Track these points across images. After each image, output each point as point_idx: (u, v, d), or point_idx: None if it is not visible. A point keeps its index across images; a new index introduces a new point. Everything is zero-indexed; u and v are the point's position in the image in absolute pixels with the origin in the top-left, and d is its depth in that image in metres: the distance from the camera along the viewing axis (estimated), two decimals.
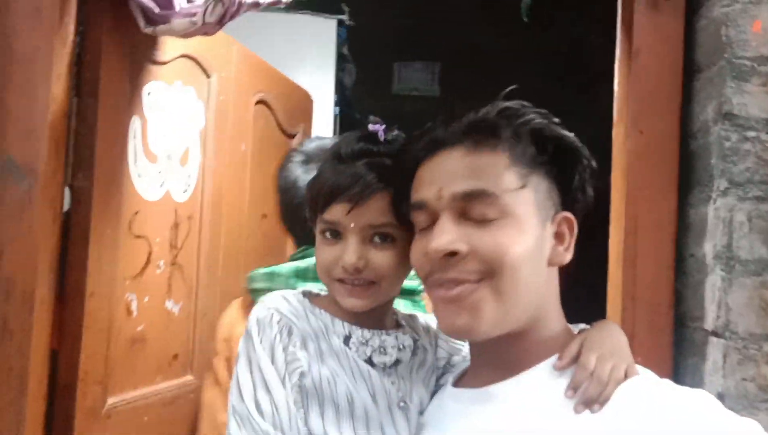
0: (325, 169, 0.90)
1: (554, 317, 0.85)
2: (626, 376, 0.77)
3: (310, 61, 2.74)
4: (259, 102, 2.05)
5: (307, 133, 2.40)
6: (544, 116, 0.84)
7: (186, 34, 1.41)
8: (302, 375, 0.84)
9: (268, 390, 0.82)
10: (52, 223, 1.31)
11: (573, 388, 0.77)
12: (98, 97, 1.38)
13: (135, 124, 1.51)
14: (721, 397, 1.16)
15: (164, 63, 1.60)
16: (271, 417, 0.81)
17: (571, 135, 0.84)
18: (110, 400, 1.43)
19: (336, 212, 0.86)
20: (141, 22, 1.40)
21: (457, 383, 0.90)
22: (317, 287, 0.96)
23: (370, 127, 0.90)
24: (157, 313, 1.59)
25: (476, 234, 0.79)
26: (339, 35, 2.88)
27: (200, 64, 1.75)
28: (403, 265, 0.88)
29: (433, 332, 0.96)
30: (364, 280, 0.86)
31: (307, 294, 0.93)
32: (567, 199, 0.84)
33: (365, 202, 0.85)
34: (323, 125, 2.75)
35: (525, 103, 0.85)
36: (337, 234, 0.87)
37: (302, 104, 2.38)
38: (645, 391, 0.76)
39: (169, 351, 1.65)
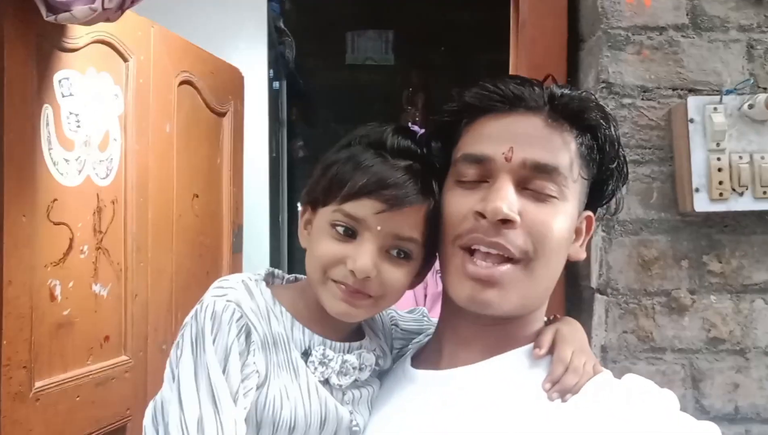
0: (362, 156, 0.78)
1: (541, 314, 0.84)
2: (594, 372, 0.78)
3: (241, 37, 2.75)
4: (183, 82, 2.06)
5: (238, 110, 2.42)
6: (607, 118, 0.83)
7: (88, 21, 1.42)
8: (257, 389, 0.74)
9: (215, 405, 0.70)
10: None
11: (551, 381, 0.76)
12: (3, 88, 1.39)
13: (47, 112, 1.52)
14: (604, 349, 1.24)
15: (75, 50, 1.61)
16: None
17: (619, 137, 0.84)
18: (38, 383, 1.46)
19: (364, 208, 0.75)
20: (43, 11, 1.41)
21: (414, 363, 0.86)
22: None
23: (413, 126, 0.83)
24: (83, 297, 1.62)
25: (531, 208, 0.76)
26: (272, 10, 2.87)
27: (116, 49, 1.76)
28: (406, 287, 0.81)
29: (390, 330, 0.91)
30: (366, 290, 0.77)
31: (269, 280, 0.85)
32: (593, 199, 0.84)
33: (402, 209, 0.75)
34: (258, 101, 2.76)
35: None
36: (351, 232, 0.77)
37: (232, 81, 2.40)
38: (612, 386, 0.77)
39: (99, 333, 1.69)
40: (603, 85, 1.24)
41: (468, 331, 0.81)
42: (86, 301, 1.64)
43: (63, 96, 1.57)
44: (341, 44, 4.61)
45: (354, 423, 0.81)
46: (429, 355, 0.86)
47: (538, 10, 1.31)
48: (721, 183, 1.20)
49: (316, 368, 0.79)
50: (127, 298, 1.78)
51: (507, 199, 0.75)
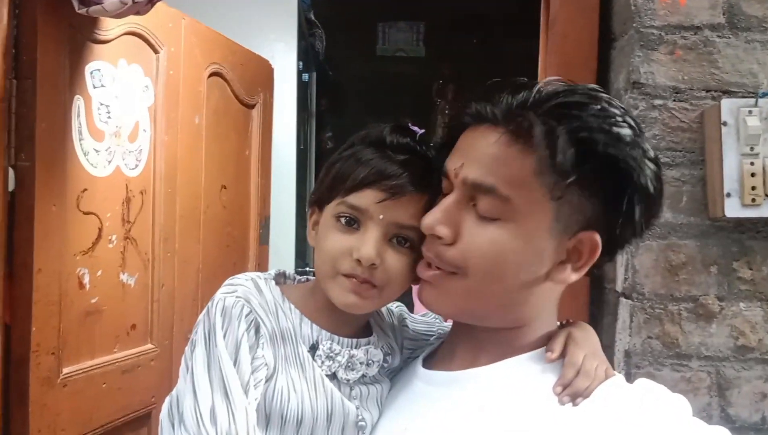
0: (364, 152, 0.82)
1: (543, 324, 0.82)
2: (606, 376, 0.77)
3: (271, 29, 2.75)
4: (213, 74, 2.08)
5: (268, 102, 2.43)
6: (607, 121, 0.73)
7: (118, 14, 1.44)
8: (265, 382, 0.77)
9: (227, 396, 0.73)
10: None
11: (562, 384, 0.75)
12: (36, 78, 1.41)
13: (78, 103, 1.55)
14: (628, 354, 1.22)
15: (107, 41, 1.63)
16: (225, 428, 0.71)
17: (633, 153, 0.72)
18: (65, 370, 1.50)
19: (366, 198, 0.79)
20: (75, 3, 1.43)
21: (426, 364, 0.86)
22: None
23: (412, 126, 0.85)
24: (111, 286, 1.65)
25: (472, 226, 0.75)
26: (303, 1, 2.87)
27: (147, 41, 1.78)
28: (410, 277, 0.82)
29: (400, 330, 0.93)
30: (372, 280, 0.79)
31: (280, 280, 0.88)
32: (607, 220, 0.75)
33: (402, 197, 0.79)
34: (287, 92, 2.77)
35: (594, 95, 0.75)
36: (354, 222, 0.80)
37: (261, 73, 2.40)
38: (624, 390, 0.76)
39: (126, 321, 1.71)
40: (634, 85, 1.22)
41: (481, 334, 0.81)
42: (114, 290, 1.67)
43: (94, 87, 1.59)
44: (372, 35, 4.60)
45: (360, 418, 0.82)
46: (441, 357, 0.86)
47: (569, 7, 1.29)
48: (753, 188, 1.17)
49: (323, 362, 0.81)
50: (153, 287, 1.81)
51: (435, 213, 0.77)
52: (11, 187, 1.41)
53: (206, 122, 2.03)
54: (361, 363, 0.83)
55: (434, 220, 0.77)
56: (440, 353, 0.87)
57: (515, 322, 0.80)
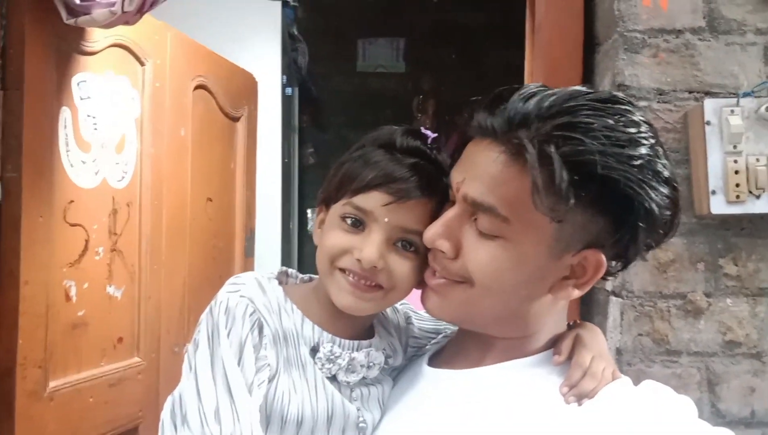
0: (373, 154, 0.81)
1: (549, 332, 0.81)
2: (612, 378, 0.77)
3: (255, 43, 2.77)
4: (198, 87, 2.08)
5: (252, 114, 2.43)
6: (613, 141, 0.69)
7: (107, 24, 1.44)
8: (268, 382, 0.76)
9: (231, 396, 0.73)
10: None
11: (569, 385, 0.75)
12: (23, 89, 1.41)
13: (65, 114, 1.54)
14: (619, 352, 1.23)
15: (94, 53, 1.63)
16: (230, 428, 0.71)
17: (641, 175, 0.70)
18: (52, 383, 1.47)
19: (372, 200, 0.79)
20: (63, 14, 1.43)
21: (432, 362, 0.86)
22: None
23: (424, 130, 0.84)
24: (98, 298, 1.63)
25: (473, 241, 0.75)
26: (286, 16, 2.89)
27: (133, 53, 1.78)
28: (414, 281, 0.82)
29: (405, 329, 0.92)
30: (372, 281, 0.79)
31: (283, 279, 0.87)
32: (614, 238, 0.73)
33: (408, 201, 0.78)
34: (270, 106, 2.78)
35: (604, 109, 0.71)
36: (359, 224, 0.80)
37: (246, 86, 2.41)
38: (630, 392, 0.76)
39: (112, 334, 1.70)
40: (619, 87, 1.24)
41: (488, 338, 0.81)
42: (101, 302, 1.65)
43: (81, 98, 1.59)
44: (353, 50, 4.63)
45: (361, 420, 0.82)
46: (447, 356, 0.86)
47: (554, 12, 1.32)
48: (737, 185, 1.19)
49: (323, 365, 0.80)
50: (141, 300, 1.80)
51: (437, 227, 0.77)
52: None
53: (192, 134, 2.03)
54: (361, 366, 0.82)
55: (435, 234, 0.77)
56: (446, 352, 0.87)
57: (518, 333, 0.79)
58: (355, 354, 0.82)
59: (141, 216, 1.80)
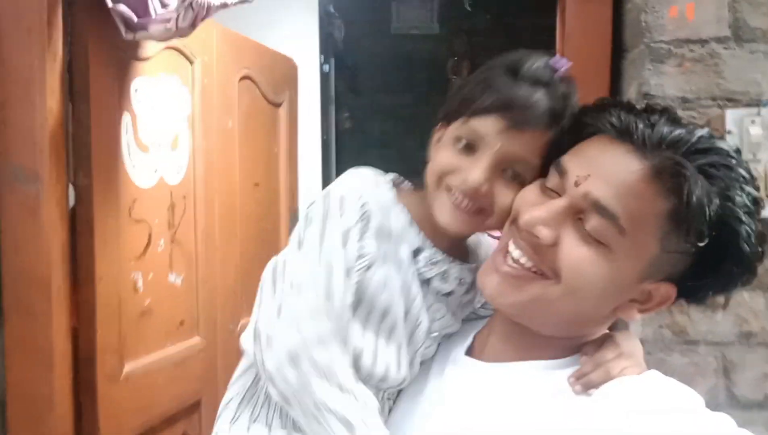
0: (496, 78, 0.81)
1: (593, 328, 0.82)
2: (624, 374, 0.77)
3: (294, 24, 2.84)
4: (243, 78, 2.18)
5: (293, 99, 2.53)
6: (744, 190, 0.72)
7: (163, 38, 1.55)
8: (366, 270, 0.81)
9: (330, 272, 0.79)
10: (60, 220, 1.49)
11: (576, 375, 0.76)
12: (90, 102, 1.53)
13: (126, 119, 1.66)
14: (641, 342, 1.34)
15: (147, 58, 1.74)
16: (321, 299, 0.78)
17: (752, 225, 0.73)
18: (127, 367, 1.64)
19: (488, 125, 0.79)
20: (122, 30, 1.54)
21: (467, 352, 0.88)
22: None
23: (554, 60, 0.82)
24: (161, 287, 1.79)
25: (574, 239, 0.74)
26: None
27: (182, 53, 1.88)
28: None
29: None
30: (475, 204, 0.81)
31: (397, 183, 0.90)
32: (691, 274, 0.75)
33: (524, 130, 0.78)
34: (310, 87, 2.86)
35: (735, 155, 0.74)
36: (471, 148, 0.81)
37: (287, 72, 2.50)
38: (632, 382, 0.76)
39: (175, 318, 1.85)
40: (645, 96, 1.31)
41: (514, 328, 0.82)
42: (164, 290, 1.80)
43: (138, 102, 1.71)
44: (386, 14, 4.64)
45: (435, 330, 0.87)
46: (478, 344, 0.89)
47: (583, 21, 1.38)
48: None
49: (425, 264, 0.85)
50: (198, 284, 1.94)
51: (543, 212, 0.75)
52: (71, 203, 1.54)
53: (238, 125, 2.14)
54: (454, 278, 0.86)
55: (539, 219, 0.75)
56: (480, 341, 0.89)
57: (569, 334, 0.81)
58: (450, 265, 0.86)
59: (195, 207, 1.94)
